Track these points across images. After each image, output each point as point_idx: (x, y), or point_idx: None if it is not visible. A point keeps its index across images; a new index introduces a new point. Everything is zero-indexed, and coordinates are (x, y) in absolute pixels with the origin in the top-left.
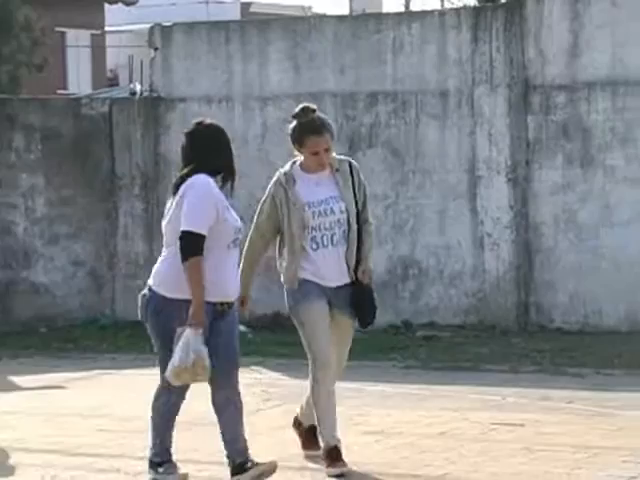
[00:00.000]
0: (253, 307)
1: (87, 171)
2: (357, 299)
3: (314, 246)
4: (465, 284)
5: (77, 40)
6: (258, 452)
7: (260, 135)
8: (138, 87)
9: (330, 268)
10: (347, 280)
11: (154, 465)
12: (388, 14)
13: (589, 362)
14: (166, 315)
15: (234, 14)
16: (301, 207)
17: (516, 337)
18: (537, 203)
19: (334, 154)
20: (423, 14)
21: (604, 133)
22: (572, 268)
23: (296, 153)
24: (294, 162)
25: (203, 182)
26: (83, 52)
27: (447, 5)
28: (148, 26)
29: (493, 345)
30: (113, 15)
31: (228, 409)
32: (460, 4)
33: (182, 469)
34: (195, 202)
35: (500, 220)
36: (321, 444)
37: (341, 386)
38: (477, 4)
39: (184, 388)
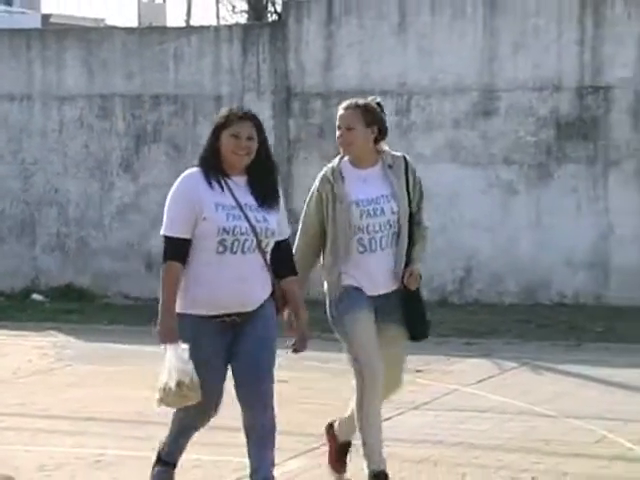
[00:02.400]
0: (49, 279)
1: None
2: (404, 307)
3: (360, 249)
4: None
5: None
6: (52, 406)
7: (57, 130)
8: None
9: (377, 274)
10: (395, 287)
11: (158, 460)
12: (171, 28)
13: None
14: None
15: (35, 23)
16: (348, 205)
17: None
18: (297, 193)
19: (387, 147)
20: (201, 29)
21: None
22: None
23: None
24: (342, 157)
25: (180, 179)
26: None
27: (222, 22)
28: None
29: None
30: None
31: (254, 432)
32: (232, 22)
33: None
34: (168, 202)
35: None
36: (365, 468)
37: (123, 348)
38: (246, 22)
39: (205, 408)
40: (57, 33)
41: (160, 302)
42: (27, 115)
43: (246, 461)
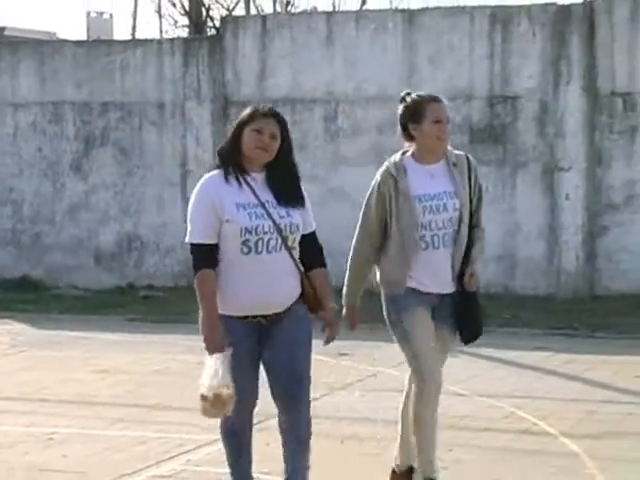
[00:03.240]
0: (4, 272)
1: None
2: (461, 309)
3: (423, 246)
4: (177, 254)
5: None
6: (6, 388)
7: (12, 134)
8: None
9: (437, 273)
10: (452, 288)
11: None
12: (117, 41)
13: None
14: None
15: None
16: (411, 200)
17: None
18: None
19: (450, 147)
20: (145, 42)
21: None
22: None
23: (406, 144)
24: (404, 152)
25: (199, 185)
26: None
27: (164, 36)
28: None
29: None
30: None
31: (290, 436)
32: (174, 35)
33: None
34: (190, 209)
35: None
36: (417, 469)
37: (74, 334)
38: (187, 36)
39: (243, 407)
40: (12, 45)
41: (201, 313)
42: None
43: (190, 437)
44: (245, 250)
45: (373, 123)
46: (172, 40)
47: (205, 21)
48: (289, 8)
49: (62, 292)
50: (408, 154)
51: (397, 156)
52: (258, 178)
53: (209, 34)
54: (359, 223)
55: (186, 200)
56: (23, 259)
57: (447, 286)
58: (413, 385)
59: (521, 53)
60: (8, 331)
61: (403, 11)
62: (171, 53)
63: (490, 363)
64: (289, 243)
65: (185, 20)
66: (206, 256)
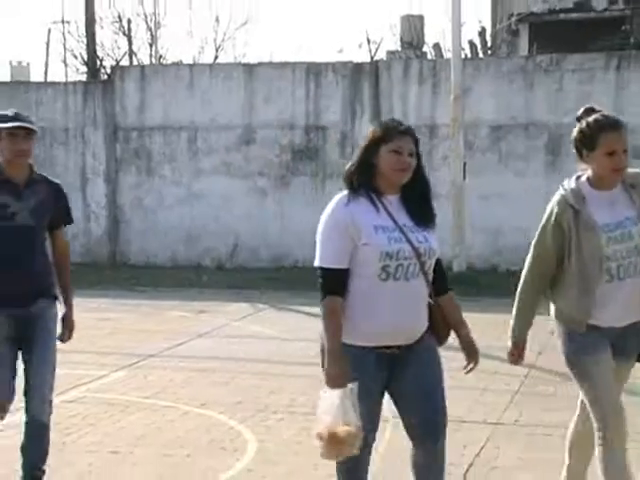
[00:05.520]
0: None
1: None
2: None
3: (607, 278)
4: (80, 240)
5: None
6: None
7: None
8: None
9: (622, 305)
10: (636, 318)
11: None
12: (33, 82)
13: (151, 283)
14: None
15: None
16: (596, 232)
17: (108, 270)
18: (121, 194)
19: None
20: (54, 83)
21: (158, 155)
22: (140, 232)
23: (581, 167)
24: (577, 177)
25: (331, 206)
26: None
27: (69, 79)
28: None
29: (98, 275)
30: None
31: (426, 470)
32: (76, 79)
33: None
34: (322, 231)
35: (100, 204)
36: None
37: None
38: (86, 80)
39: (363, 441)
40: None
41: (325, 343)
42: None
43: (87, 373)
44: (383, 276)
45: (223, 145)
46: (75, 83)
47: (99, 69)
48: (162, 60)
49: None
50: (583, 179)
51: (572, 182)
52: (393, 200)
53: (102, 79)
54: (531, 254)
55: (85, 201)
56: None
57: (629, 319)
58: (581, 423)
59: (328, 96)
60: None
61: (245, 65)
62: (74, 92)
63: (305, 316)
64: (426, 269)
65: (84, 68)
66: (336, 281)
